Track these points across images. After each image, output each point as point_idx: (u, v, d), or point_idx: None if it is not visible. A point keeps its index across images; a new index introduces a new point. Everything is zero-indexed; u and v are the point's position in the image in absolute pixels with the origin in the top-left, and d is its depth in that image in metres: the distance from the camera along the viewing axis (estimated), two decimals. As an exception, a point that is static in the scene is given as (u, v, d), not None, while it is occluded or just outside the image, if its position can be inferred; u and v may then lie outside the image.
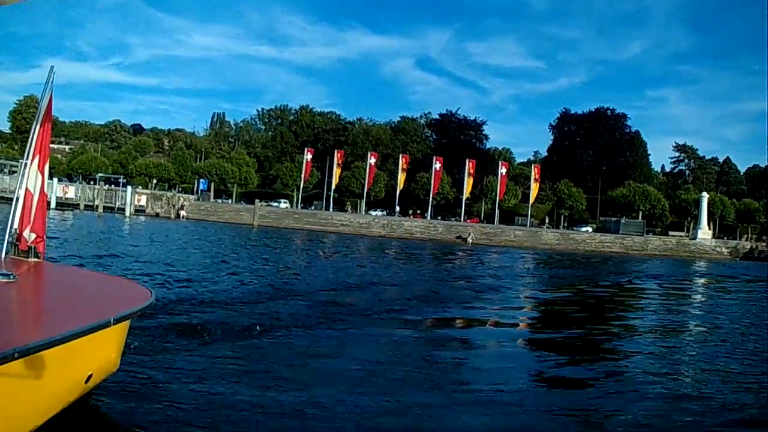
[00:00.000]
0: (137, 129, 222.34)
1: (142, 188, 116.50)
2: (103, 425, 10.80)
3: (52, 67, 12.46)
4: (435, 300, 31.32)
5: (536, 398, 14.48)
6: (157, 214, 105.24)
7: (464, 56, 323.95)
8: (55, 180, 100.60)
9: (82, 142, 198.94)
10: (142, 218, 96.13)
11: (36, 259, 12.99)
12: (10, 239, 12.94)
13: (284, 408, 12.70)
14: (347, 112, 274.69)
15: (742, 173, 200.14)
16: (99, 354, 10.05)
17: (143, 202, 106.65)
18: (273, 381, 14.24)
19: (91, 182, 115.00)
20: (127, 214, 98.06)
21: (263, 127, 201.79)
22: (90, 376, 9.82)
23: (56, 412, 9.03)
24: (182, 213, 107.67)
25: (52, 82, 12.56)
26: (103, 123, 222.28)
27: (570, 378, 17.02)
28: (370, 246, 78.84)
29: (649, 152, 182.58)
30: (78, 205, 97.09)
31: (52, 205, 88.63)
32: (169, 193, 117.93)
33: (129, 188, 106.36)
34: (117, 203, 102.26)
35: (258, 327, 19.14)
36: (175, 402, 12.27)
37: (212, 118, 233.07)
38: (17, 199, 12.81)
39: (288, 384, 14.07)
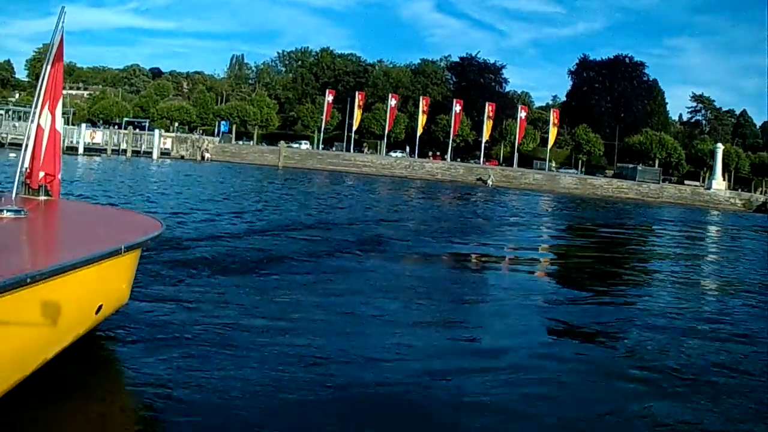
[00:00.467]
0: (156, 73, 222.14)
1: (165, 131, 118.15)
2: (127, 342, 11.44)
3: (62, 7, 12.76)
4: (463, 232, 34.97)
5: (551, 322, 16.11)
6: (182, 157, 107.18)
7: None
8: (83, 126, 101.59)
9: (100, 87, 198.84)
10: (168, 161, 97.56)
11: (46, 197, 13.37)
12: (21, 178, 13.21)
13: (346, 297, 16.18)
14: (366, 54, 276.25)
15: (758, 127, 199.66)
16: (109, 284, 10.47)
17: (168, 145, 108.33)
18: (335, 287, 17.38)
19: (115, 126, 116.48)
20: (155, 157, 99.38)
21: (284, 69, 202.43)
22: (100, 307, 10.19)
23: (66, 344, 9.41)
24: (207, 155, 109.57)
25: (63, 22, 12.87)
26: (121, 68, 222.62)
27: (579, 301, 19.20)
28: (394, 186, 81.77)
29: (666, 101, 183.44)
30: (105, 149, 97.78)
31: (80, 150, 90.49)
32: (193, 136, 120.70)
33: (156, 131, 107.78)
34: (143, 147, 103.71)
35: (303, 253, 21.79)
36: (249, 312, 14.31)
37: (231, 60, 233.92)
38: (28, 139, 13.23)
39: (342, 291, 17.02)
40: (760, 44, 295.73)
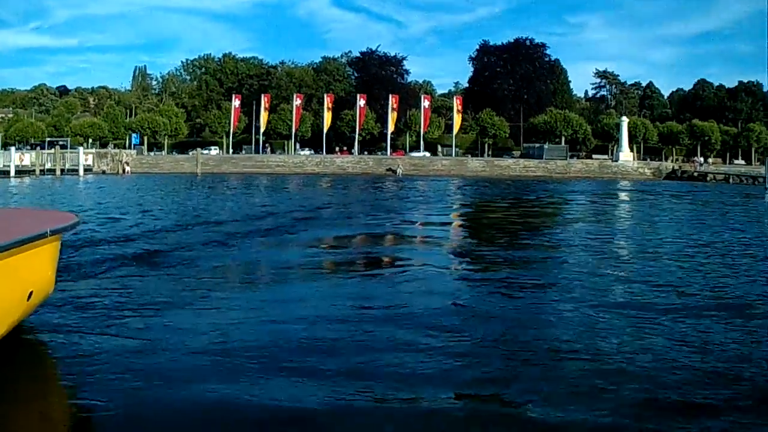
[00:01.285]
0: (63, 91, 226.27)
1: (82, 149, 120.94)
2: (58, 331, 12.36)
3: None
4: (380, 211, 43.49)
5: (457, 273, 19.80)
6: (103, 172, 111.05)
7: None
8: (13, 149, 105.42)
9: (11, 109, 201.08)
10: (91, 176, 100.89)
11: None
12: None
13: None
14: (268, 56, 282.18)
15: (665, 97, 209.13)
16: (38, 270, 11.28)
17: (90, 161, 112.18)
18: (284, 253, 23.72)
19: (38, 147, 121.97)
20: (81, 173, 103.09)
21: (188, 77, 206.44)
22: (31, 294, 10.98)
23: (3, 332, 10.22)
24: (127, 168, 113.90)
25: None
26: (29, 88, 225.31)
27: (487, 257, 23.33)
28: (309, 182, 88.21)
29: (569, 79, 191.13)
30: (34, 170, 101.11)
31: (12, 173, 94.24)
32: (112, 151, 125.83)
33: (80, 149, 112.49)
34: (67, 165, 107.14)
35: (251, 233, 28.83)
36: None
37: (134, 72, 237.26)
38: None
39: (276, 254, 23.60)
40: (665, 15, 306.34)
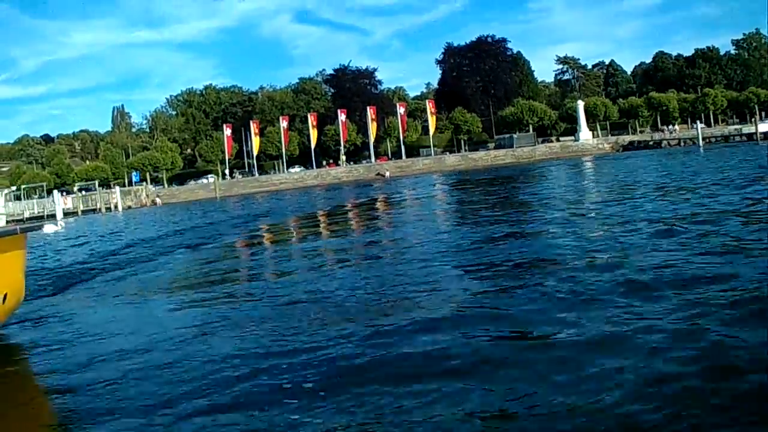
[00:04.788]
0: (47, 139, 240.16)
1: (85, 191, 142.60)
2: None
3: None
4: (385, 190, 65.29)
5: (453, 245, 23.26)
6: (129, 207, 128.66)
7: (340, 1, 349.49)
8: (60, 195, 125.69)
9: (3, 162, 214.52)
10: (120, 212, 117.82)
11: None
12: None
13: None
14: (239, 80, 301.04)
15: (629, 72, 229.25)
16: (8, 271, 12.48)
17: (117, 200, 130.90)
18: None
19: (63, 193, 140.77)
20: (120, 209, 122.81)
21: (174, 113, 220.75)
22: (6, 297, 12.23)
23: None
24: (158, 200, 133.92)
25: None
26: (12, 141, 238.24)
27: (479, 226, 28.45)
28: (313, 192, 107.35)
29: (533, 69, 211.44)
30: (76, 212, 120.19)
31: (61, 215, 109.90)
32: (134, 188, 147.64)
33: (117, 188, 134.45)
34: (99, 204, 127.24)
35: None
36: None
37: (113, 112, 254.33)
38: None
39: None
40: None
